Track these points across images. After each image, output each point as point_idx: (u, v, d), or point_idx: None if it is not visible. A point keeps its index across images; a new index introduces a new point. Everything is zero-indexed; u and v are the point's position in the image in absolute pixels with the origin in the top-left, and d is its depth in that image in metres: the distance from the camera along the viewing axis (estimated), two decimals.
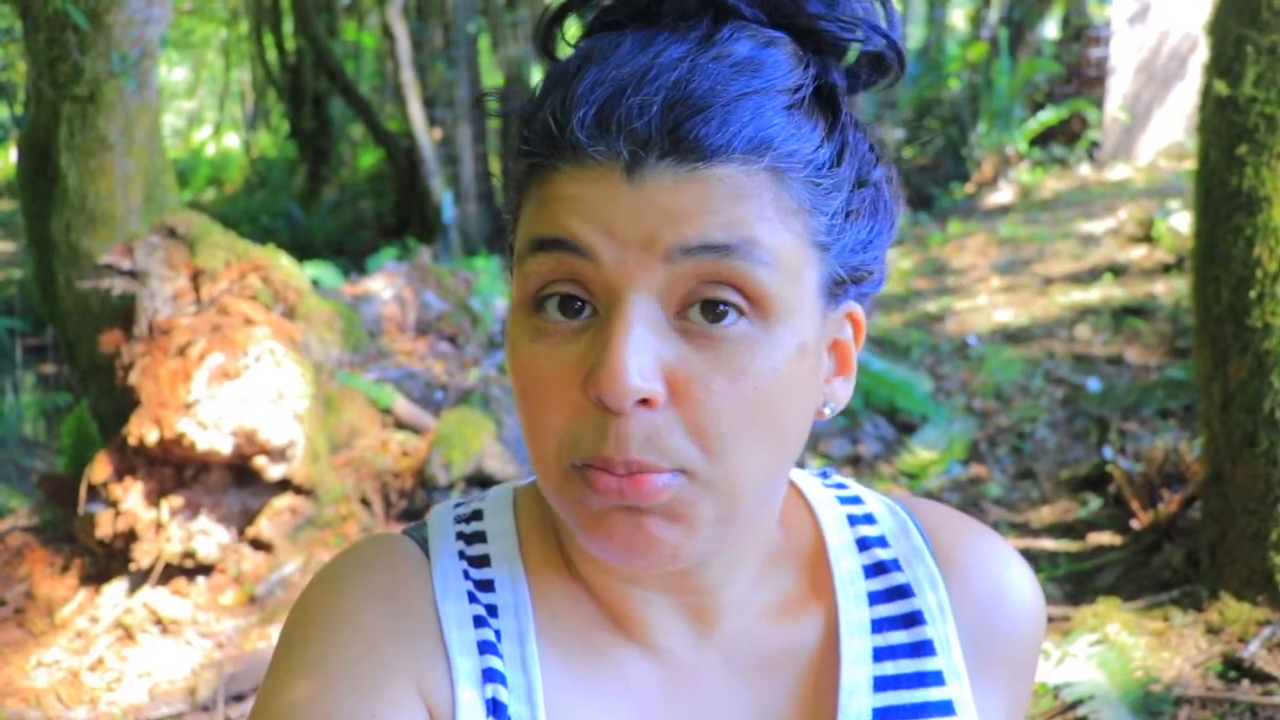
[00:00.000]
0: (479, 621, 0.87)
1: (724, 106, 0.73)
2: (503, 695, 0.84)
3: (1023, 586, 0.98)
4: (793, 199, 0.76)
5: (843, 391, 0.88)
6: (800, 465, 0.96)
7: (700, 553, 0.79)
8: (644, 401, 0.73)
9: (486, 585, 0.91)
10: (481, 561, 0.92)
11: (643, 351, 0.72)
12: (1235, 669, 3.26)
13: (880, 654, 0.92)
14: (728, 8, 0.77)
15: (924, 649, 0.92)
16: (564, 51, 0.84)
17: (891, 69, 0.84)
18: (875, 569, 0.96)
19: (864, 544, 0.98)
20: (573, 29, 0.85)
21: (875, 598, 0.95)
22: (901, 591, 0.95)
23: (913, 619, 0.93)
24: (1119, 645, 3.40)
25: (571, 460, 0.77)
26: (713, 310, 0.74)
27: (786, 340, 0.76)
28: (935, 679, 0.91)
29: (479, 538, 0.94)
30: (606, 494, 0.75)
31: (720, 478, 0.76)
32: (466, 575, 0.90)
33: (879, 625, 0.93)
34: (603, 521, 0.77)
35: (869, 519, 1.00)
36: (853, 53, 0.82)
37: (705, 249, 0.72)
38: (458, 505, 0.98)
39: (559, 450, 0.77)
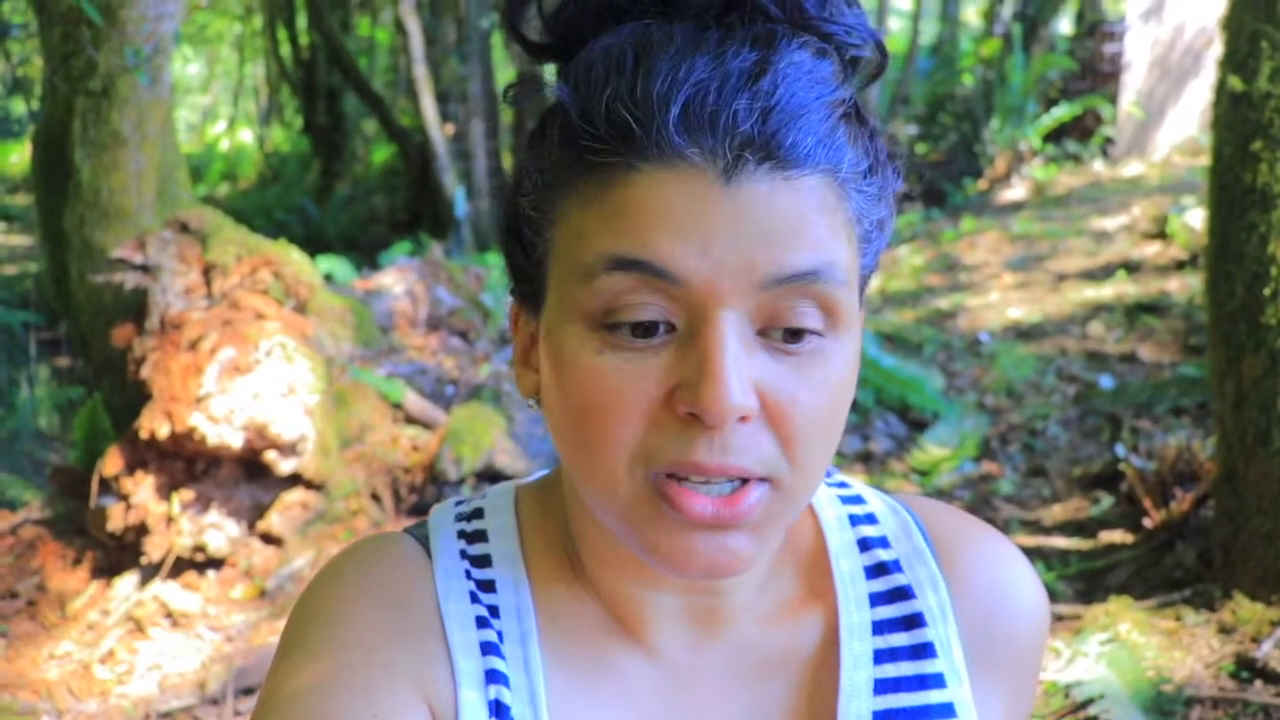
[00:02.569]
0: (481, 622, 0.87)
1: (808, 114, 0.73)
2: (505, 697, 0.84)
3: (1025, 588, 0.97)
4: (852, 209, 0.77)
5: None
6: None
7: (763, 559, 0.81)
8: (740, 417, 0.73)
9: (488, 585, 0.90)
10: (483, 561, 0.92)
11: (740, 368, 0.72)
12: (1248, 669, 3.24)
13: (881, 656, 0.92)
14: (755, 8, 0.75)
15: (925, 651, 0.92)
16: (541, 38, 0.82)
17: (871, 68, 0.82)
18: (876, 570, 0.96)
19: (865, 544, 0.97)
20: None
21: (876, 599, 0.94)
22: (903, 593, 0.94)
23: (914, 621, 0.93)
24: (1130, 644, 3.39)
25: (649, 470, 0.75)
26: (795, 336, 0.75)
27: (850, 347, 0.78)
28: (936, 681, 0.91)
29: (480, 537, 0.94)
30: (698, 515, 0.74)
31: (799, 485, 0.77)
32: (468, 575, 0.90)
33: (880, 627, 0.93)
34: (680, 543, 0.76)
35: (870, 519, 0.99)
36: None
37: (797, 276, 0.72)
38: (458, 504, 0.98)
39: (632, 461, 0.76)
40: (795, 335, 0.74)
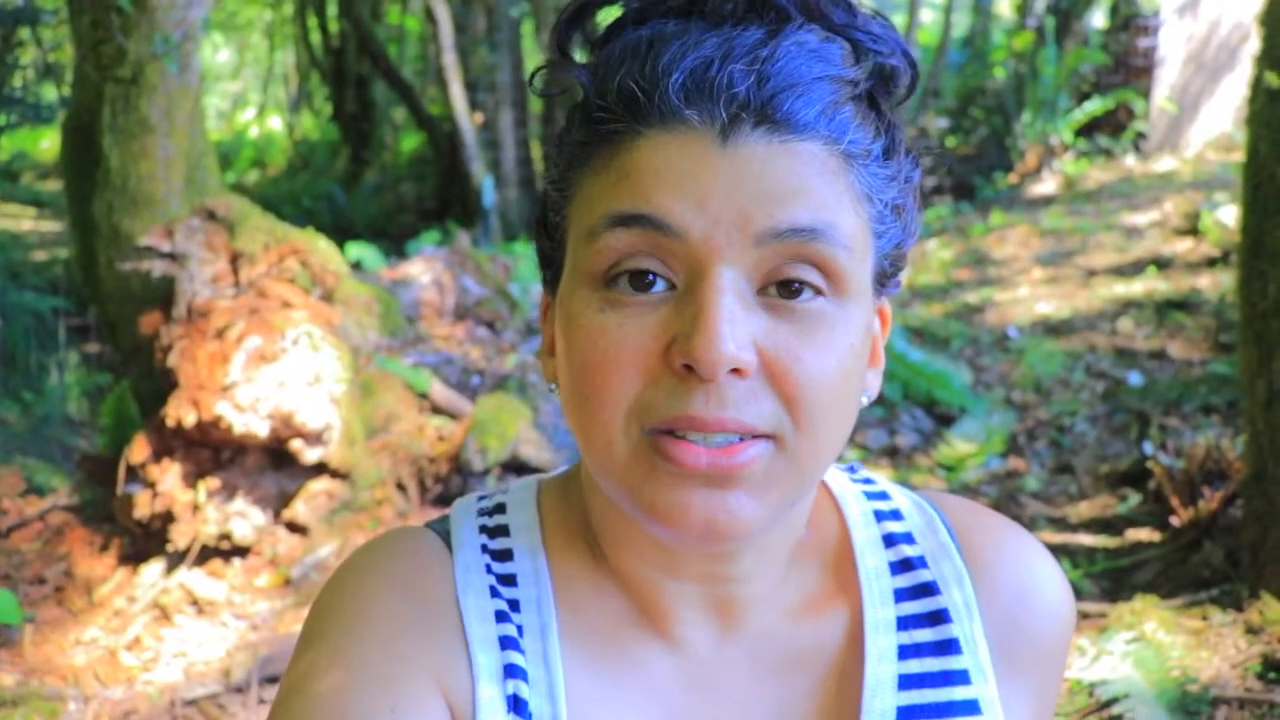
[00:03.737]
0: (501, 616, 0.87)
1: (808, 85, 0.75)
2: (524, 691, 0.84)
3: (1051, 585, 0.97)
4: (860, 184, 0.78)
5: (874, 381, 0.89)
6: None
7: (766, 526, 0.79)
8: (735, 371, 0.73)
9: (509, 579, 0.90)
10: (504, 555, 0.92)
11: (735, 321, 0.73)
12: (1275, 670, 3.22)
13: (905, 652, 0.91)
14: (774, 9, 0.78)
15: (950, 647, 0.91)
16: (583, 53, 0.84)
17: (901, 87, 0.84)
18: (901, 565, 0.95)
19: (890, 540, 0.97)
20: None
21: (901, 595, 0.94)
22: (928, 589, 0.94)
23: (939, 616, 0.92)
24: (1156, 643, 3.37)
25: (645, 425, 0.76)
26: (789, 288, 0.75)
27: (858, 317, 0.78)
28: (961, 677, 0.90)
29: (502, 531, 0.94)
30: (693, 466, 0.74)
31: (805, 450, 0.77)
32: (489, 569, 0.90)
33: (904, 623, 0.93)
34: (677, 499, 0.76)
35: (895, 514, 0.99)
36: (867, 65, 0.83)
37: (794, 232, 0.73)
38: (481, 498, 0.98)
39: (628, 418, 0.76)
40: (790, 290, 0.75)
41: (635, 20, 0.81)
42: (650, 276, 0.75)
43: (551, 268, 0.87)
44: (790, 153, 0.74)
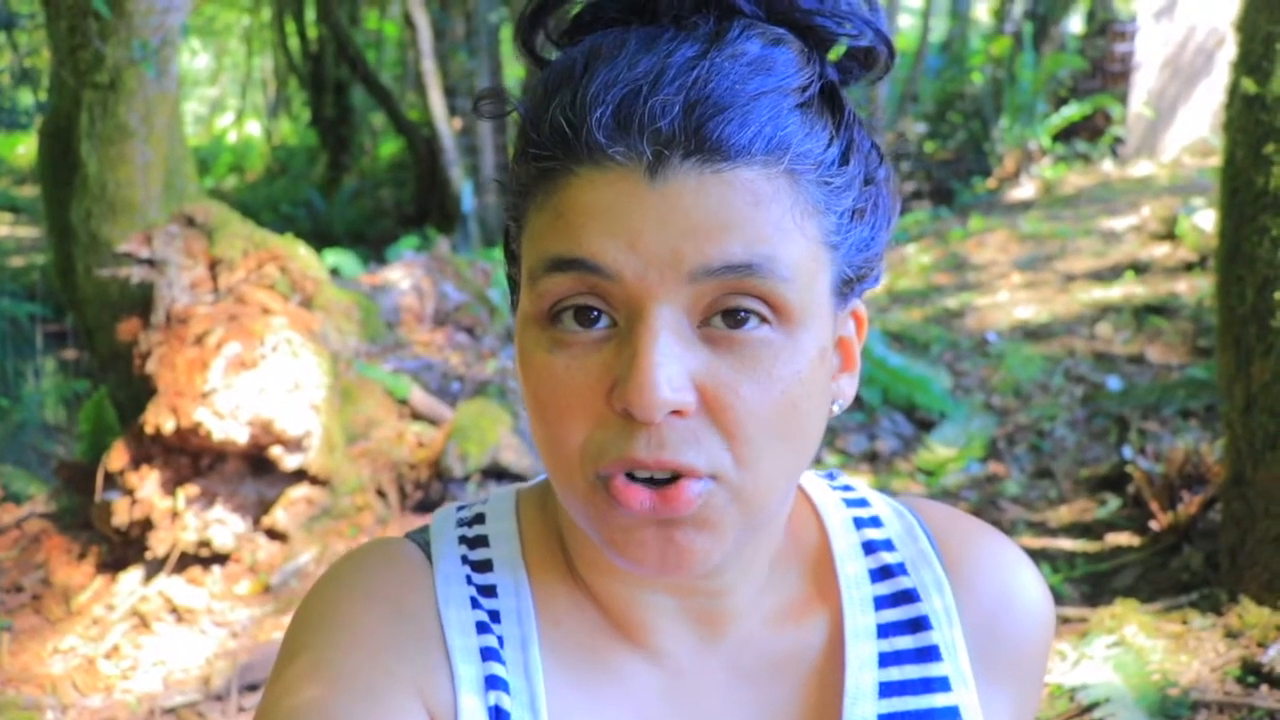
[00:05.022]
0: (482, 627, 0.86)
1: (743, 106, 0.72)
2: (505, 703, 0.83)
3: (1031, 590, 0.96)
4: (808, 201, 0.75)
5: (849, 388, 0.88)
6: (816, 461, 0.95)
7: (726, 557, 0.79)
8: (675, 411, 0.72)
9: (489, 590, 0.90)
10: (484, 566, 0.91)
11: (671, 363, 0.71)
12: (1254, 674, 3.23)
13: (886, 659, 0.91)
14: (726, 4, 0.75)
15: (930, 654, 0.91)
16: (549, 52, 0.82)
17: (879, 62, 0.82)
18: (881, 573, 0.95)
19: (870, 547, 0.96)
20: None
21: (881, 602, 0.94)
22: (908, 596, 0.93)
23: (919, 624, 0.92)
24: (1136, 647, 3.38)
25: (597, 469, 0.75)
26: (734, 317, 0.73)
27: (808, 343, 0.76)
28: (941, 684, 0.90)
29: (481, 542, 0.93)
30: (639, 510, 0.74)
31: (749, 483, 0.76)
32: (469, 580, 0.90)
33: (885, 630, 0.92)
34: (632, 538, 0.76)
35: (875, 522, 0.98)
36: (840, 48, 0.80)
37: (728, 269, 0.71)
38: (460, 508, 0.98)
39: (582, 461, 0.76)
40: (735, 319, 0.73)
41: (587, 22, 0.79)
42: (594, 313, 0.74)
43: (517, 293, 0.86)
44: (723, 183, 0.71)
